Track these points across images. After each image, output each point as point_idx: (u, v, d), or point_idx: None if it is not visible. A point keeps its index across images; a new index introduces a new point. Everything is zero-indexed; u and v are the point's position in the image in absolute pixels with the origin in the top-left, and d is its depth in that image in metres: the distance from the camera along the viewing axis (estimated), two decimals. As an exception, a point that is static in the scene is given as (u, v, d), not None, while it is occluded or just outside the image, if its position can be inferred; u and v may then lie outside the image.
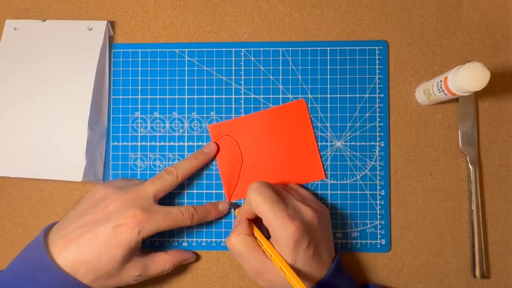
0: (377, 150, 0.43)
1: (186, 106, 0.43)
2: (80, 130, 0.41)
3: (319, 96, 0.43)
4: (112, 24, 0.45)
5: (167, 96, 0.44)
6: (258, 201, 0.34)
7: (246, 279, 0.42)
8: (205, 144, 0.43)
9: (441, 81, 0.37)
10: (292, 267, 0.33)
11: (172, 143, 0.43)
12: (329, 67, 0.43)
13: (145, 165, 0.43)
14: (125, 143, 0.44)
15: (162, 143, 0.43)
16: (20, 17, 0.45)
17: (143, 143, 0.43)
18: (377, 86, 0.43)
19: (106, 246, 0.34)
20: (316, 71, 0.43)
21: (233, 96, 0.43)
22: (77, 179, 0.40)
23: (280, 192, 0.37)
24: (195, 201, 0.43)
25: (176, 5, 0.45)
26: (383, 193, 0.42)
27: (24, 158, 0.41)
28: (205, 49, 0.44)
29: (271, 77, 0.43)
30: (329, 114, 0.43)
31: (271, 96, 0.43)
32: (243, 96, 0.43)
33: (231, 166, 0.42)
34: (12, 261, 0.35)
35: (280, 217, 0.33)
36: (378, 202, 0.42)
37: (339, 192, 0.42)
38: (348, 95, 0.43)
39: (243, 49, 0.44)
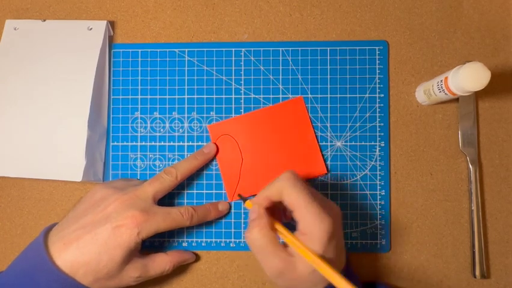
0: (377, 150, 0.43)
1: (186, 106, 0.43)
2: (80, 130, 0.41)
3: (319, 96, 0.43)
4: (112, 24, 0.45)
5: (167, 96, 0.44)
6: (293, 192, 0.32)
7: (246, 279, 0.42)
8: (204, 144, 0.43)
9: (441, 81, 0.37)
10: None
11: (172, 143, 0.43)
12: (329, 67, 0.43)
13: (145, 165, 0.43)
14: (125, 143, 0.44)
15: (162, 143, 0.43)
16: (20, 17, 0.45)
17: (143, 143, 0.43)
18: (377, 86, 0.43)
19: (105, 247, 0.34)
20: (316, 71, 0.43)
21: (233, 96, 0.43)
22: (76, 179, 0.40)
23: (309, 187, 0.35)
24: (194, 201, 0.43)
25: (176, 5, 0.45)
26: (383, 193, 0.42)
27: (24, 158, 0.41)
28: (205, 49, 0.44)
29: (271, 77, 0.43)
30: (329, 114, 0.43)
31: (271, 96, 0.43)
32: (243, 96, 0.43)
33: (231, 165, 0.42)
34: (13, 261, 0.35)
35: (317, 210, 0.31)
36: (378, 202, 0.42)
37: (339, 192, 0.42)
38: (348, 95, 0.43)
39: (243, 49, 0.44)
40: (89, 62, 0.42)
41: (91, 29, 0.43)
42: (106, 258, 0.34)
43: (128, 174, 0.43)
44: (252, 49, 0.44)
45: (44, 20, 0.44)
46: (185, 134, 0.43)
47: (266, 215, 0.33)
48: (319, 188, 0.42)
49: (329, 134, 0.43)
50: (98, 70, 0.42)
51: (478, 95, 0.43)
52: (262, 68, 0.43)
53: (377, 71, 0.43)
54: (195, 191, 0.43)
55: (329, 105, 0.43)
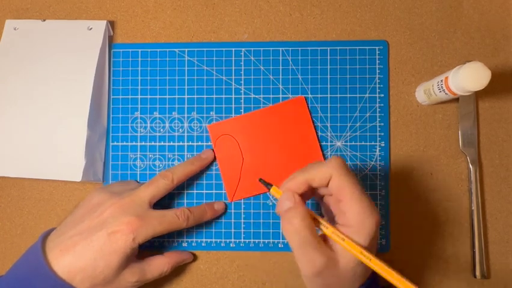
0: (377, 150, 0.43)
1: (186, 106, 0.43)
2: (80, 130, 0.41)
3: (319, 96, 0.43)
4: (112, 24, 0.45)
5: (167, 96, 0.44)
6: (347, 180, 0.30)
7: (246, 279, 0.42)
8: (204, 150, 0.43)
9: (442, 80, 0.37)
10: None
11: (171, 143, 0.43)
12: (329, 67, 0.43)
13: (145, 165, 0.43)
14: (124, 143, 0.44)
15: (162, 143, 0.43)
16: (20, 17, 0.45)
17: (143, 143, 0.43)
18: (377, 85, 0.43)
19: (101, 253, 0.34)
20: (317, 71, 0.43)
21: (233, 96, 0.43)
22: (76, 179, 0.40)
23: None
24: (194, 201, 0.43)
25: (176, 5, 0.45)
26: (383, 193, 0.42)
27: (24, 158, 0.41)
28: (205, 49, 0.44)
29: (271, 77, 0.43)
30: (329, 114, 0.43)
31: (271, 96, 0.43)
32: (243, 96, 0.43)
33: (232, 166, 0.42)
34: (12, 267, 0.35)
35: (369, 202, 0.29)
36: (378, 202, 0.42)
37: (339, 192, 0.42)
38: (348, 95, 0.43)
39: (243, 49, 0.44)
40: (89, 62, 0.42)
41: (90, 29, 0.43)
42: (102, 264, 0.34)
43: (128, 174, 0.43)
44: (252, 49, 0.44)
45: (44, 20, 0.44)
46: (185, 134, 0.43)
47: (303, 204, 0.30)
48: (319, 188, 0.42)
49: (329, 134, 0.43)
50: (98, 70, 0.42)
51: (478, 95, 0.43)
52: (262, 68, 0.43)
53: (377, 71, 0.43)
54: (194, 191, 0.43)
55: (329, 105, 0.43)
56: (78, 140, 0.41)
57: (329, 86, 0.43)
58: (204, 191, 0.43)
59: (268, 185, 0.34)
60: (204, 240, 0.42)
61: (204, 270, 0.42)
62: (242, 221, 0.42)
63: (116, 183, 0.42)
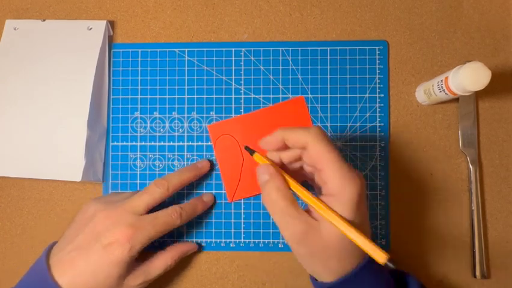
0: (377, 150, 0.43)
1: (186, 106, 0.43)
2: (80, 130, 0.41)
3: (319, 96, 0.43)
4: (111, 24, 0.45)
5: (167, 96, 0.44)
6: (323, 149, 0.29)
7: (246, 279, 0.42)
8: (200, 159, 0.42)
9: (442, 80, 0.37)
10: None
11: (171, 143, 0.43)
12: (329, 67, 0.43)
13: (145, 165, 0.43)
14: (124, 143, 0.44)
15: (162, 143, 0.43)
16: (20, 17, 0.45)
17: (143, 143, 0.43)
18: (377, 86, 0.43)
19: (100, 266, 0.34)
20: (317, 71, 0.43)
21: (233, 96, 0.43)
22: (76, 179, 0.40)
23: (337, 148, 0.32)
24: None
25: (176, 5, 0.45)
26: (383, 193, 0.42)
27: (24, 158, 0.41)
28: (205, 49, 0.44)
29: (271, 77, 0.43)
30: (329, 114, 0.43)
31: (271, 96, 0.43)
32: (243, 96, 0.43)
33: (232, 166, 0.42)
34: (18, 284, 0.35)
35: (348, 169, 0.29)
36: (378, 202, 0.42)
37: (339, 192, 0.42)
38: (348, 95, 0.43)
39: (243, 49, 0.44)
40: (89, 62, 0.42)
41: (90, 29, 0.43)
42: (103, 276, 0.34)
43: (128, 174, 0.43)
44: (252, 49, 0.44)
45: (44, 20, 0.44)
46: (185, 134, 0.43)
47: (280, 174, 0.31)
48: (319, 188, 0.42)
49: (329, 134, 0.43)
50: (98, 70, 0.42)
51: (478, 95, 0.43)
52: (262, 68, 0.43)
53: (377, 71, 0.43)
54: (194, 191, 0.43)
55: (329, 105, 0.43)
56: (78, 140, 0.41)
57: (329, 86, 0.43)
58: (204, 191, 0.43)
59: (251, 152, 0.35)
60: (203, 240, 0.42)
61: (204, 270, 0.42)
62: (242, 221, 0.42)
63: (112, 194, 0.42)
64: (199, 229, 0.42)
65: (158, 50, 0.44)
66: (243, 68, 0.43)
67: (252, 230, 0.42)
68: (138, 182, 0.43)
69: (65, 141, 0.41)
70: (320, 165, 0.30)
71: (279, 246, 0.42)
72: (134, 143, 0.43)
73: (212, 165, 0.42)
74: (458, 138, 0.42)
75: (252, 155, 0.35)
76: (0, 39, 0.44)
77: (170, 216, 0.37)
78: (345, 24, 0.44)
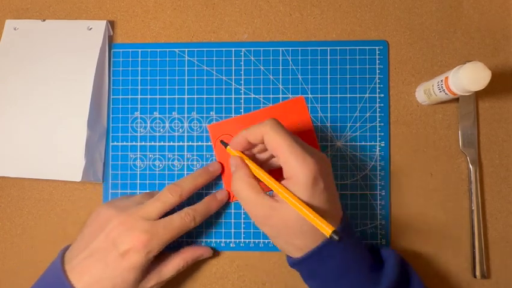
0: (377, 150, 0.43)
1: (186, 106, 0.43)
2: (80, 130, 0.41)
3: (319, 96, 0.43)
4: (111, 24, 0.45)
5: (167, 96, 0.44)
6: (275, 136, 0.33)
7: (246, 279, 0.42)
8: (212, 162, 0.42)
9: (442, 80, 0.37)
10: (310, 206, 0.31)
11: (171, 143, 0.43)
12: (329, 67, 0.43)
13: (145, 165, 0.43)
14: (124, 143, 0.44)
15: (162, 143, 0.43)
16: (20, 17, 0.45)
17: (143, 143, 0.43)
18: (377, 85, 0.43)
19: (117, 272, 0.34)
20: (317, 71, 0.43)
21: (233, 96, 0.43)
22: (76, 179, 0.40)
23: (292, 135, 0.35)
24: (195, 201, 0.42)
25: (176, 5, 0.45)
26: (383, 193, 0.42)
27: (24, 158, 0.41)
28: (205, 49, 0.44)
29: (271, 77, 0.43)
30: (329, 114, 0.43)
31: (271, 96, 0.43)
32: (243, 96, 0.43)
33: (231, 166, 0.42)
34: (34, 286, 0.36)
35: (300, 152, 0.32)
36: (378, 202, 0.42)
37: (339, 192, 0.42)
38: (348, 95, 0.43)
39: (243, 49, 0.44)
40: (89, 62, 0.42)
41: (90, 29, 0.43)
42: (119, 282, 0.35)
43: (128, 174, 0.43)
44: (252, 49, 0.44)
45: (44, 20, 0.44)
46: (185, 134, 0.43)
47: (245, 165, 0.35)
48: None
49: (328, 134, 0.43)
50: (98, 70, 0.42)
51: (478, 95, 0.43)
52: (262, 68, 0.43)
53: (377, 71, 0.43)
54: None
55: (329, 105, 0.43)
56: (78, 140, 0.41)
57: (329, 86, 0.43)
58: (204, 191, 0.43)
59: (225, 145, 0.38)
60: (204, 240, 0.42)
61: (204, 270, 0.42)
62: (242, 221, 0.42)
63: (121, 198, 0.41)
64: (199, 229, 0.42)
65: (158, 50, 0.44)
66: (243, 68, 0.43)
67: (252, 230, 0.42)
68: (138, 182, 0.43)
69: (65, 141, 0.41)
70: (275, 152, 0.33)
71: (279, 246, 0.42)
72: (134, 143, 0.43)
73: (223, 168, 0.42)
74: (458, 138, 0.42)
75: (225, 147, 0.38)
76: (0, 39, 0.44)
77: (184, 220, 0.37)
78: (345, 24, 0.44)
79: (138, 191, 0.43)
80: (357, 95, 0.43)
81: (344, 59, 0.43)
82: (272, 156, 0.38)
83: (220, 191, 0.42)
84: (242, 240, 0.42)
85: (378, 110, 0.43)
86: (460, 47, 0.43)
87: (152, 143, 0.43)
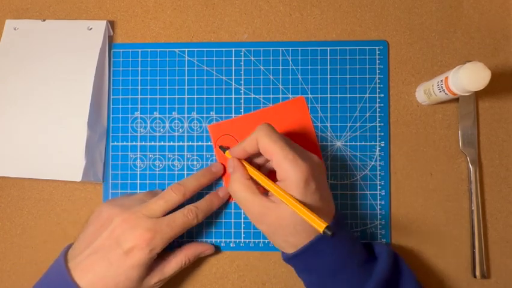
0: (377, 150, 0.43)
1: (186, 106, 0.43)
2: (80, 130, 0.41)
3: (319, 96, 0.43)
4: (112, 24, 0.45)
5: (167, 96, 0.44)
6: (268, 141, 0.34)
7: (246, 279, 0.42)
8: (215, 163, 0.42)
9: (442, 80, 0.37)
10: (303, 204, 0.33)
11: (171, 143, 0.43)
12: (329, 67, 0.43)
13: (145, 165, 0.43)
14: (124, 143, 0.44)
15: (162, 143, 0.43)
16: (20, 17, 0.45)
17: (143, 143, 0.43)
18: (377, 85, 0.43)
19: (120, 270, 0.35)
20: (316, 71, 0.43)
21: (233, 96, 0.43)
22: (76, 179, 0.40)
23: (285, 138, 0.37)
24: (194, 200, 0.42)
25: (176, 5, 0.45)
26: (383, 193, 0.42)
27: (24, 158, 0.41)
28: (205, 49, 0.44)
29: (271, 77, 0.43)
30: (329, 114, 0.43)
31: (271, 96, 0.43)
32: (243, 96, 0.43)
33: (231, 166, 0.42)
34: (36, 285, 0.36)
35: (292, 156, 0.33)
36: (378, 202, 0.42)
37: (339, 192, 0.42)
38: (348, 95, 0.43)
39: (243, 49, 0.44)
40: (89, 62, 0.42)
41: (90, 29, 0.43)
42: (123, 279, 0.35)
43: (128, 174, 0.43)
44: (252, 49, 0.44)
45: (44, 20, 0.44)
46: (185, 134, 0.43)
47: (242, 167, 0.37)
48: (319, 188, 0.42)
49: (328, 134, 0.43)
50: (98, 70, 0.42)
51: (478, 95, 0.43)
52: (262, 68, 0.43)
53: (377, 71, 0.43)
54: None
55: (329, 105, 0.43)
56: (78, 140, 0.41)
57: (328, 86, 0.43)
58: (204, 191, 0.43)
59: (224, 150, 0.39)
60: (203, 240, 0.42)
61: (203, 270, 0.42)
62: (242, 221, 0.42)
63: (123, 196, 0.42)
64: (198, 229, 0.42)
65: (158, 50, 0.44)
66: (243, 68, 0.43)
67: (252, 230, 0.42)
68: (138, 182, 0.43)
69: (65, 141, 0.41)
70: (269, 156, 0.35)
71: (279, 246, 0.42)
72: (134, 143, 0.43)
73: (225, 170, 0.42)
74: (458, 138, 0.42)
75: (224, 153, 0.39)
76: (0, 39, 0.44)
77: (187, 217, 0.37)
78: (345, 24, 0.44)
79: (138, 191, 0.43)
80: (357, 95, 0.43)
81: (344, 59, 0.43)
82: (268, 160, 0.38)
83: (222, 188, 0.42)
84: (242, 240, 0.42)
85: (378, 110, 0.43)
86: (460, 47, 0.43)
87: (152, 143, 0.43)
